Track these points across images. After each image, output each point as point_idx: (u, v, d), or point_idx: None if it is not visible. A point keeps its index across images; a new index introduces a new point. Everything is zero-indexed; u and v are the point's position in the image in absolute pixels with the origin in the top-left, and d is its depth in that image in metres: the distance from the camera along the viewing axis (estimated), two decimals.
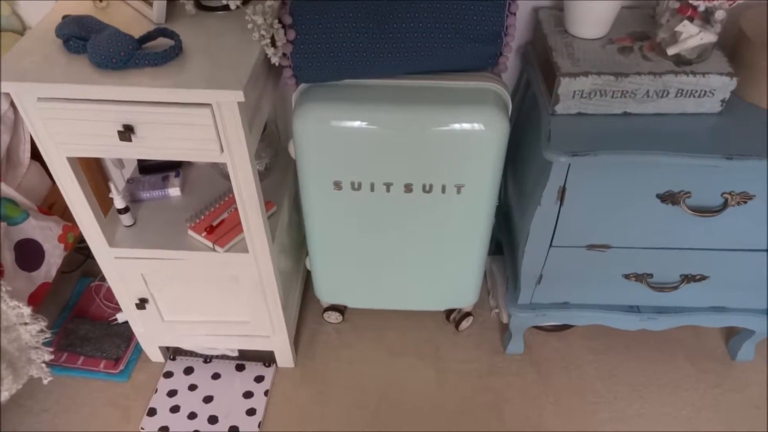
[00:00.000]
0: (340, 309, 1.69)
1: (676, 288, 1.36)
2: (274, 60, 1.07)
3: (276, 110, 1.52)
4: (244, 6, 1.08)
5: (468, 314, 1.67)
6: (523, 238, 1.31)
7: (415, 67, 1.17)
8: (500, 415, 1.51)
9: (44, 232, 1.43)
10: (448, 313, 1.70)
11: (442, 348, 1.65)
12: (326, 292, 1.60)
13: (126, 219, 1.31)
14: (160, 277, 1.36)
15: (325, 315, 1.70)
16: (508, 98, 1.22)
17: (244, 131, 1.04)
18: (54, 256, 1.45)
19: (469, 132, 1.18)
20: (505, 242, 1.60)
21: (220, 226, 1.30)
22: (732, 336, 1.61)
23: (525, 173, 1.39)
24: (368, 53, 1.14)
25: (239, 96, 0.96)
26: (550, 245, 1.29)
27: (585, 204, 1.21)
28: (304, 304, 1.74)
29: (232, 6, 1.04)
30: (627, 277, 1.36)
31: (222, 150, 1.07)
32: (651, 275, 1.35)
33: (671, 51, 1.13)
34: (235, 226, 1.29)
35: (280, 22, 1.09)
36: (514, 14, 1.14)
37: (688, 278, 1.35)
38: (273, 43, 1.08)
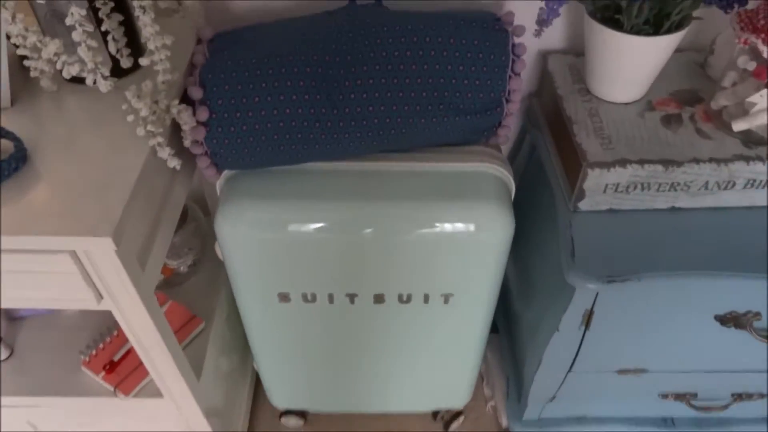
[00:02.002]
0: (300, 413, 1.37)
1: (725, 408, 1.06)
2: (173, 164, 0.72)
3: (202, 185, 1.16)
4: (122, 80, 0.73)
5: (459, 413, 1.36)
6: (533, 360, 0.99)
7: (382, 147, 0.84)
8: None
9: None
10: (435, 410, 1.39)
11: None
12: (280, 397, 1.28)
13: None
14: (53, 423, 1.02)
15: (283, 420, 1.37)
16: (511, 182, 0.89)
17: (129, 276, 0.70)
18: None
19: (459, 234, 0.85)
20: (501, 324, 1.29)
21: (124, 360, 0.96)
22: None
23: (529, 253, 1.08)
24: (315, 132, 0.79)
25: (108, 244, 0.62)
26: (569, 371, 0.98)
27: (618, 326, 0.89)
28: (256, 404, 1.41)
29: (103, 89, 0.68)
30: (664, 396, 1.06)
31: (101, 297, 0.73)
32: (695, 395, 1.05)
33: (738, 126, 0.81)
34: None
35: (183, 101, 0.75)
36: (519, 75, 0.81)
37: (741, 397, 1.05)
38: (178, 127, 0.74)
